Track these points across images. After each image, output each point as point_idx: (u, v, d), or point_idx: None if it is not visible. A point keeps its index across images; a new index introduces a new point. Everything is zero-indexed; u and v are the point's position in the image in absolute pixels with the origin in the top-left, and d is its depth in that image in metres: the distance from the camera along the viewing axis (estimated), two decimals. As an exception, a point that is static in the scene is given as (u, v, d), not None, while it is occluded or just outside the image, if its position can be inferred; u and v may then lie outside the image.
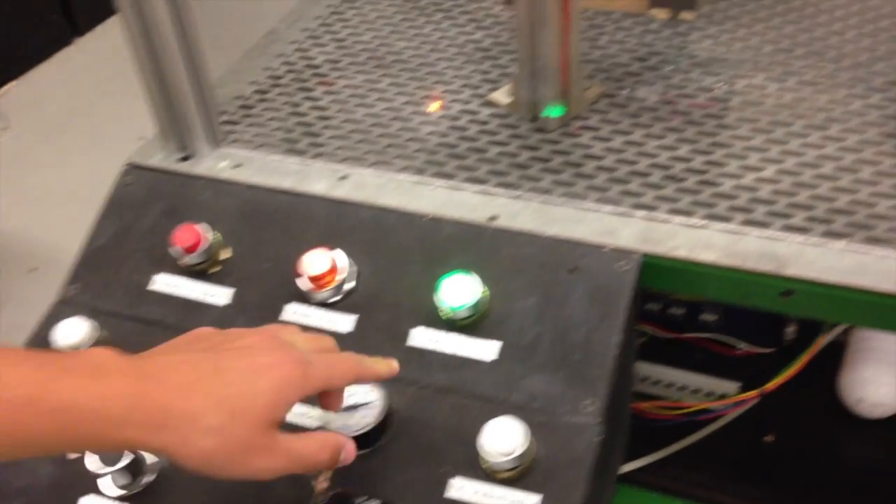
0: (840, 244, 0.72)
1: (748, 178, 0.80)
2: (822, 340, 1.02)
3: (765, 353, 1.08)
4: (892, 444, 0.98)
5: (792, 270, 0.71)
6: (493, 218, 0.80)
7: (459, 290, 0.72)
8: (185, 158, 0.92)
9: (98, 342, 0.78)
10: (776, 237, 0.74)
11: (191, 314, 0.80)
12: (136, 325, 0.81)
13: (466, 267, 0.75)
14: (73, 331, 0.77)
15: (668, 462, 0.99)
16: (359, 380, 0.66)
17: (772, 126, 0.86)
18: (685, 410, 1.01)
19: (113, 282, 0.84)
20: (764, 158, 0.82)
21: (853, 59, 0.93)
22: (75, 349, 0.77)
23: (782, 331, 1.06)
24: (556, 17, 0.82)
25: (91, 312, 0.81)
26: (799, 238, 0.73)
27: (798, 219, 0.75)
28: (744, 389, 1.05)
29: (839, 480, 0.97)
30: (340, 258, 0.78)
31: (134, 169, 0.91)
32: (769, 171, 0.81)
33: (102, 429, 0.52)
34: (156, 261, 0.84)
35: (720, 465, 0.99)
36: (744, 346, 1.09)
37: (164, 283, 0.82)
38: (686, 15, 1.03)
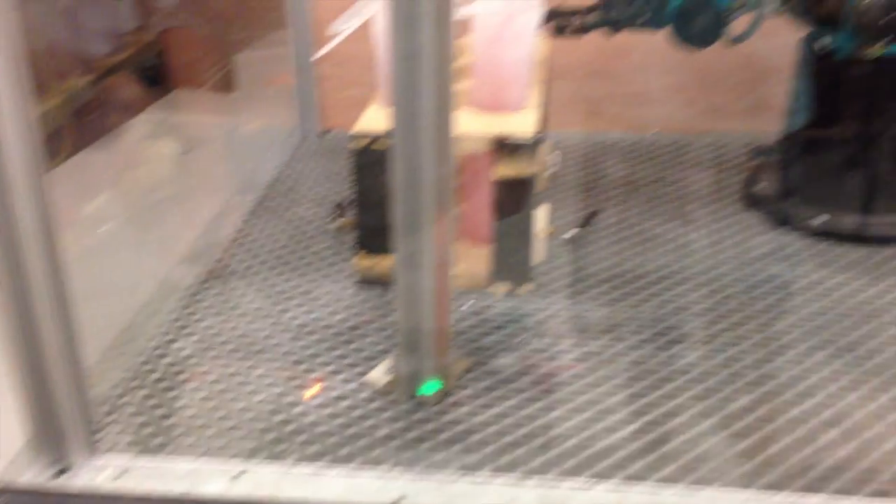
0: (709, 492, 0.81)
1: (626, 431, 0.89)
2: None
3: None
4: None
5: (682, 520, 0.78)
6: (398, 500, 0.82)
7: (384, 582, 0.73)
8: (60, 472, 0.87)
9: None
10: (654, 492, 0.82)
11: None
12: None
13: (382, 554, 0.76)
14: None
15: None
16: None
17: (629, 381, 0.96)
18: None
19: None
20: (633, 412, 0.91)
21: (677, 317, 1.08)
22: None
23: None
24: (433, 288, 0.89)
25: None
26: (676, 489, 0.82)
27: (670, 469, 0.84)
28: None
29: None
30: (253, 563, 0.76)
31: (3, 493, 0.86)
32: (636, 425, 0.90)
33: None
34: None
35: None
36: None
37: None
38: (524, 288, 1.14)
